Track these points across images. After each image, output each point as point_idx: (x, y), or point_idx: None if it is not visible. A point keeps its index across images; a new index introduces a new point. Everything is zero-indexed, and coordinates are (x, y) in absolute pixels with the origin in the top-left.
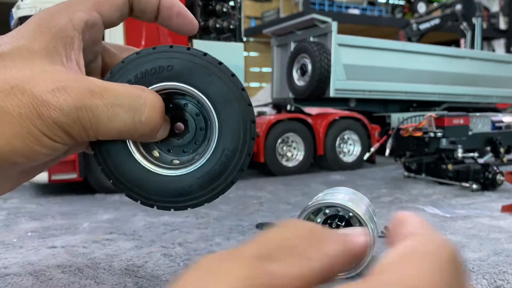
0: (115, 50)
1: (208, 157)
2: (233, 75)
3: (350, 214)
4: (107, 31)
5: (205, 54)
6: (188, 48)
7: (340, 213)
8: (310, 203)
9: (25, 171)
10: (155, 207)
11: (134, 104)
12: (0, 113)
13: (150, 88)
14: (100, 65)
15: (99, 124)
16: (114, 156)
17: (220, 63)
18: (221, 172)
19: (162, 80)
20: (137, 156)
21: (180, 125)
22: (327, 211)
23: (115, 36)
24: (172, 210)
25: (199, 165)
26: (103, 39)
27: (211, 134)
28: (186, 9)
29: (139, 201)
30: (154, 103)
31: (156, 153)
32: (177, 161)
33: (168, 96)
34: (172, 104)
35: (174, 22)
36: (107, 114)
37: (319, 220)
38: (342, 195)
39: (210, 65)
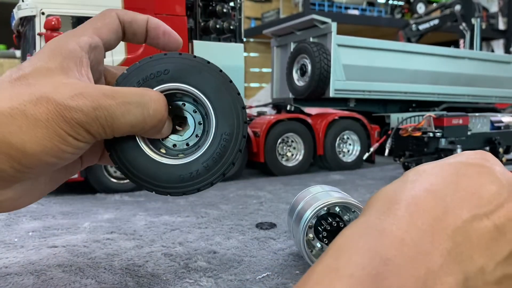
0: (115, 70)
1: (209, 143)
2: (220, 70)
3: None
4: None
5: (195, 56)
6: (180, 53)
7: (331, 211)
8: (317, 204)
9: (54, 177)
10: (168, 194)
11: (142, 101)
12: (31, 120)
13: None
14: (104, 83)
15: (114, 120)
16: (127, 154)
17: (208, 62)
18: (222, 154)
19: (161, 83)
20: (148, 151)
21: (181, 122)
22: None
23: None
24: (183, 195)
25: (202, 151)
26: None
27: (209, 125)
28: (171, 28)
29: (153, 191)
30: (158, 98)
31: (163, 150)
32: (182, 154)
33: (167, 98)
34: (172, 106)
35: (161, 40)
36: (120, 111)
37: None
38: (336, 193)
39: (200, 64)
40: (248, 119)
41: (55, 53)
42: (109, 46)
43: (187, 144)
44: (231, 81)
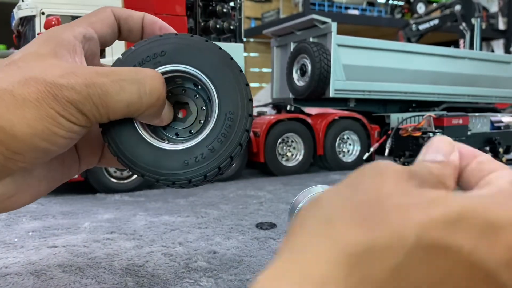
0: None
1: (213, 124)
2: (220, 48)
3: None
4: None
5: (192, 35)
6: (177, 34)
7: None
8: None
9: (50, 176)
10: (173, 183)
11: (137, 77)
12: (19, 100)
13: None
14: None
15: (108, 98)
16: (126, 141)
17: (207, 40)
18: (228, 135)
19: (158, 65)
20: (148, 138)
21: (182, 109)
22: None
23: None
24: (191, 183)
25: (207, 133)
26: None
27: (211, 108)
28: (167, 24)
29: (157, 181)
30: (153, 75)
31: (165, 139)
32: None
33: (166, 84)
34: (171, 92)
35: None
36: (114, 88)
37: None
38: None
39: (198, 43)
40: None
41: (47, 41)
42: (105, 41)
43: (190, 132)
44: (232, 58)
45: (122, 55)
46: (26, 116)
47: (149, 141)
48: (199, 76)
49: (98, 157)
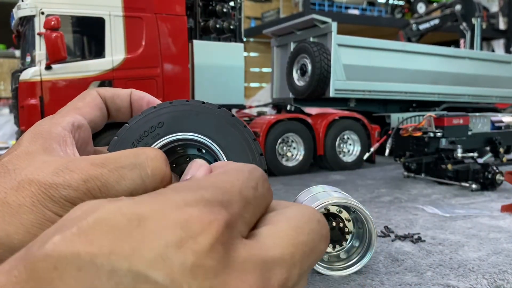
0: (106, 151)
1: None
2: (219, 107)
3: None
4: (108, 32)
5: (187, 100)
6: (171, 102)
7: (331, 211)
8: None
9: None
10: None
11: (137, 161)
12: (15, 207)
13: None
14: None
15: (109, 190)
16: None
17: (203, 102)
18: None
19: (157, 138)
20: None
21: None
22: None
23: (116, 38)
24: None
25: None
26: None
27: None
28: (155, 98)
29: None
30: (154, 155)
31: None
32: None
33: (169, 155)
34: (176, 163)
35: None
36: (114, 178)
37: None
38: (336, 193)
39: (194, 107)
40: (255, 135)
41: (35, 137)
42: (95, 124)
43: None
44: (233, 115)
45: (117, 135)
46: (23, 223)
47: None
48: (203, 141)
49: None
